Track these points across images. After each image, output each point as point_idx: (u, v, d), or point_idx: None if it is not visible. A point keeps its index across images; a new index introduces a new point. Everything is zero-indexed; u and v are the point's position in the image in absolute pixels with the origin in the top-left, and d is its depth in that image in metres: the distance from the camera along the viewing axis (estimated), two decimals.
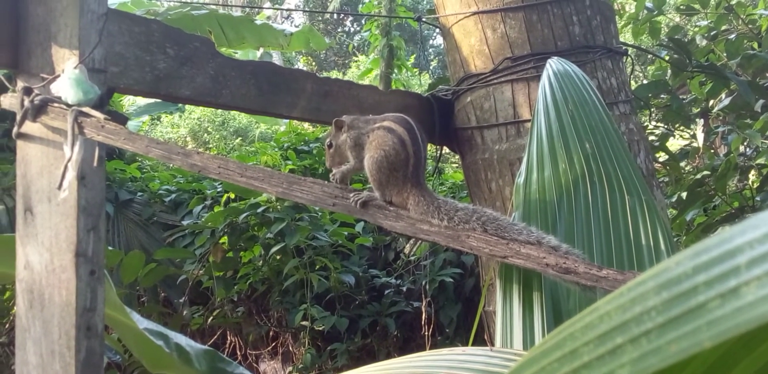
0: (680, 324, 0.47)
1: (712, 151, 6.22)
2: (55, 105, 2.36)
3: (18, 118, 2.42)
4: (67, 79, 2.32)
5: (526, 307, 1.81)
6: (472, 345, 1.81)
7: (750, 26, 5.86)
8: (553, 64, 2.29)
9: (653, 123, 6.01)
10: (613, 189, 1.96)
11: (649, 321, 0.50)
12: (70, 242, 2.37)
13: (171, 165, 8.35)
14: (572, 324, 0.59)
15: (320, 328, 6.19)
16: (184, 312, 6.17)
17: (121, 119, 2.35)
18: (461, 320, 6.37)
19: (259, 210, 5.80)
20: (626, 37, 8.32)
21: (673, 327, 0.47)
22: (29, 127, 2.46)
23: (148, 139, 2.21)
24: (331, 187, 1.98)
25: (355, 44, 24.43)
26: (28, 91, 2.39)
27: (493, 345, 1.87)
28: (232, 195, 6.31)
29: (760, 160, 5.37)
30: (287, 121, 9.71)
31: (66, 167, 2.30)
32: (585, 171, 2.00)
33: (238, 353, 6.60)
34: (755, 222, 0.48)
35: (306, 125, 10.04)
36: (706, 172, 5.25)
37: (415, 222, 1.87)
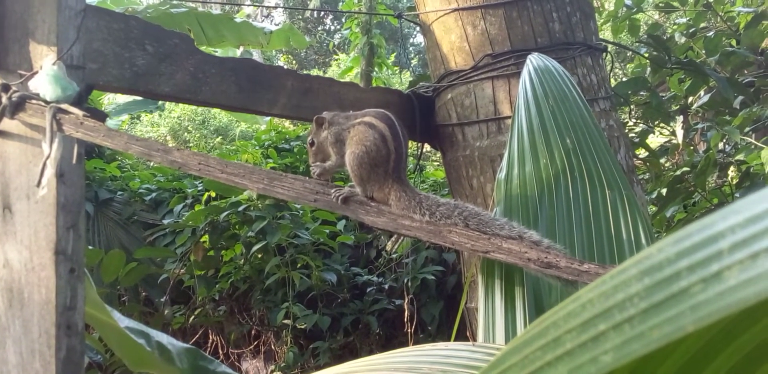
0: (663, 310, 0.47)
1: (692, 147, 6.25)
2: (33, 102, 2.34)
3: None
4: (46, 76, 2.30)
5: (508, 302, 1.81)
6: (455, 341, 1.81)
7: (728, 23, 5.90)
8: (534, 60, 2.29)
9: (633, 120, 6.04)
10: (594, 184, 1.97)
11: (632, 307, 0.50)
12: (50, 240, 2.35)
13: (151, 163, 8.32)
14: (555, 313, 0.59)
15: (302, 327, 6.19)
16: (166, 312, 6.15)
17: (100, 116, 2.33)
18: (443, 317, 6.38)
19: (240, 208, 5.78)
20: (606, 34, 8.35)
21: (655, 312, 0.47)
22: (7, 124, 2.43)
23: (127, 135, 2.19)
24: (313, 182, 1.98)
25: (336, 42, 24.42)
26: (5, 88, 2.37)
27: (475, 340, 1.88)
28: (213, 194, 6.29)
29: (739, 157, 5.40)
30: (268, 119, 9.69)
31: (45, 164, 2.28)
32: (566, 166, 2.00)
33: (220, 352, 6.59)
34: (737, 208, 0.48)
35: (287, 123, 10.04)
36: (685, 169, 5.28)
37: (397, 217, 1.87)
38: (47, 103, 2.30)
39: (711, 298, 0.44)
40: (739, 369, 0.78)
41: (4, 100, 2.35)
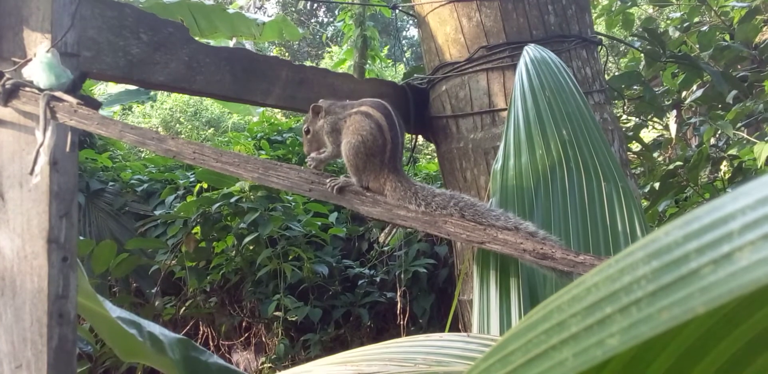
0: (672, 292, 0.46)
1: (685, 142, 6.26)
2: (27, 89, 2.32)
3: None
4: (39, 63, 2.29)
5: (503, 293, 1.81)
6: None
7: (722, 18, 5.91)
8: (530, 51, 2.29)
9: (626, 114, 6.05)
10: (589, 176, 1.97)
11: (639, 289, 0.49)
12: (42, 228, 2.34)
13: (143, 154, 8.30)
14: (558, 298, 0.58)
15: (293, 319, 6.19)
16: (156, 303, 6.14)
17: (94, 104, 2.32)
18: (434, 310, 6.39)
19: (232, 200, 5.77)
20: (600, 28, 8.35)
21: (664, 294, 0.47)
22: (0, 111, 2.42)
23: (121, 124, 2.18)
24: (308, 172, 1.97)
25: (329, 35, 24.38)
26: None
27: (469, 332, 1.88)
28: (205, 185, 6.28)
29: (732, 151, 5.42)
30: (260, 111, 9.67)
31: (38, 152, 2.27)
32: (562, 157, 2.00)
33: (211, 344, 6.59)
34: (746, 190, 0.47)
35: (279, 115, 10.01)
36: (678, 163, 5.29)
37: (393, 207, 1.87)
38: (41, 90, 2.29)
39: (722, 279, 0.44)
40: (739, 358, 0.78)
41: None
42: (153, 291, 6.11)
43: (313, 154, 2.09)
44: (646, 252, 0.51)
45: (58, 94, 2.26)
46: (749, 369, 0.79)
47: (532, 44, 2.35)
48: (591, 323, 0.52)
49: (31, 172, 2.29)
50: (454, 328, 4.05)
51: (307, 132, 2.10)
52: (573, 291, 0.57)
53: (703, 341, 0.76)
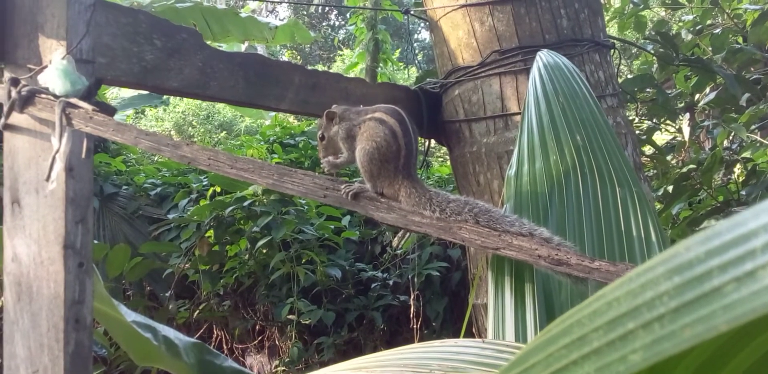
0: (695, 309, 0.47)
1: (698, 144, 6.25)
2: (43, 96, 2.34)
3: (5, 109, 2.40)
4: (55, 70, 2.30)
5: (517, 299, 1.81)
6: (462, 338, 1.81)
7: (735, 20, 5.89)
8: (543, 57, 2.29)
9: (639, 117, 6.03)
10: (603, 181, 1.97)
11: (662, 306, 0.49)
12: (58, 234, 2.36)
13: (156, 158, 8.33)
14: (578, 312, 0.58)
15: (307, 322, 6.19)
16: (170, 306, 6.15)
17: (109, 110, 2.33)
18: (447, 314, 6.38)
19: (246, 203, 5.78)
20: (612, 31, 8.34)
21: (687, 311, 0.47)
22: (16, 118, 2.44)
23: (137, 130, 2.19)
24: (322, 178, 1.98)
25: (341, 38, 24.40)
26: (15, 82, 2.37)
27: (482, 337, 1.88)
28: (218, 189, 6.29)
29: (746, 154, 5.40)
30: (273, 114, 9.69)
31: (54, 159, 2.28)
32: (576, 163, 2.00)
33: (225, 347, 6.60)
34: (767, 207, 0.47)
35: (292, 119, 10.03)
36: (691, 166, 5.27)
37: (407, 213, 1.87)
38: (56, 97, 2.30)
39: (745, 298, 0.44)
40: (756, 370, 0.78)
41: (14, 94, 2.35)
42: (167, 294, 6.13)
43: (329, 158, 2.10)
44: (668, 268, 0.51)
45: (74, 100, 2.27)
46: None
47: (545, 50, 2.35)
48: (613, 338, 0.52)
49: (47, 179, 2.30)
50: (468, 332, 4.05)
51: (322, 138, 2.10)
52: (594, 305, 0.57)
53: (721, 353, 0.76)
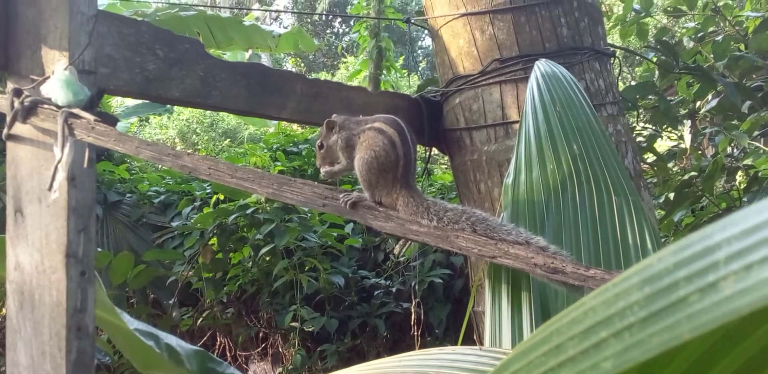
0: (661, 318, 0.48)
1: (700, 152, 6.25)
2: (45, 106, 2.36)
3: (8, 119, 2.42)
4: (57, 81, 2.33)
5: (514, 307, 1.83)
6: (462, 345, 1.82)
7: (737, 28, 5.90)
8: (541, 66, 2.31)
9: (641, 124, 6.04)
10: (600, 190, 1.98)
11: (632, 315, 0.51)
12: (61, 243, 2.37)
13: (160, 166, 8.35)
14: (559, 320, 0.60)
15: (310, 329, 6.20)
16: (174, 314, 6.16)
17: (111, 120, 2.35)
18: (450, 321, 6.39)
19: (249, 211, 5.80)
20: (614, 38, 8.36)
21: (654, 320, 0.49)
22: (19, 128, 2.46)
23: (138, 140, 2.22)
24: (321, 187, 1.99)
25: (344, 45, 24.44)
26: (18, 93, 2.40)
27: (482, 344, 1.89)
28: (222, 197, 6.32)
29: (747, 161, 5.41)
30: (276, 122, 9.71)
31: (56, 168, 2.31)
32: (572, 172, 2.02)
33: (228, 354, 6.60)
34: (734, 219, 0.49)
35: (295, 126, 10.04)
36: (693, 173, 5.27)
37: (405, 222, 1.89)
38: (59, 107, 2.32)
39: (707, 308, 0.46)
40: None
41: (17, 104, 2.37)
42: (170, 302, 6.14)
43: (327, 167, 2.12)
44: (641, 278, 0.53)
45: (76, 110, 2.29)
46: None
47: (543, 59, 2.37)
48: (587, 346, 0.54)
49: (50, 188, 2.32)
50: (469, 340, 4.05)
51: (321, 147, 2.12)
52: (572, 314, 0.59)
53: (705, 358, 0.77)
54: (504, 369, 0.64)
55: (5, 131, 2.47)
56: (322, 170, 2.12)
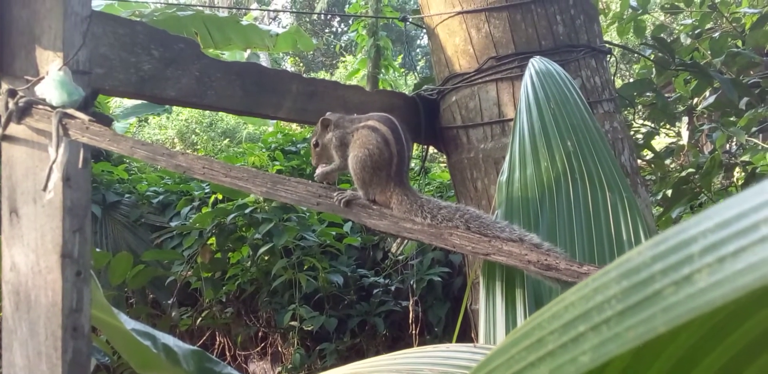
0: (637, 311, 0.48)
1: (697, 148, 6.25)
2: (40, 107, 2.36)
3: (2, 120, 2.42)
4: (52, 81, 2.33)
5: (508, 304, 1.83)
6: (459, 343, 1.82)
7: (734, 24, 5.91)
8: (536, 64, 2.31)
9: (639, 121, 6.04)
10: (594, 187, 1.98)
11: (610, 309, 0.51)
12: (56, 243, 2.37)
13: (159, 166, 8.35)
14: (541, 315, 0.60)
15: (309, 328, 6.21)
16: (173, 314, 6.18)
17: (105, 120, 2.35)
18: (450, 319, 6.39)
19: (247, 211, 5.81)
20: (612, 35, 8.36)
21: (630, 314, 0.49)
22: (14, 129, 2.46)
23: (132, 140, 2.22)
24: (316, 186, 1.99)
25: (343, 45, 24.45)
26: (12, 93, 2.40)
27: (477, 342, 1.89)
28: (220, 196, 6.32)
29: (745, 158, 5.41)
30: (275, 122, 9.71)
31: (51, 169, 2.30)
32: (567, 169, 2.02)
33: (227, 354, 6.61)
34: (709, 214, 0.49)
35: (293, 126, 10.05)
36: (691, 170, 5.28)
37: (399, 220, 1.89)
38: (53, 108, 2.32)
39: (681, 300, 0.46)
40: (729, 368, 0.79)
41: (11, 105, 2.37)
42: (169, 302, 6.15)
43: (320, 169, 2.12)
44: (619, 272, 0.53)
45: (71, 111, 2.29)
46: None
47: (538, 56, 2.37)
48: (566, 341, 0.54)
49: (45, 188, 2.32)
50: (467, 338, 4.05)
51: (316, 145, 2.12)
52: (553, 309, 0.59)
53: (694, 351, 0.78)
54: (486, 365, 0.64)
55: (0, 132, 2.47)
56: (317, 172, 2.12)
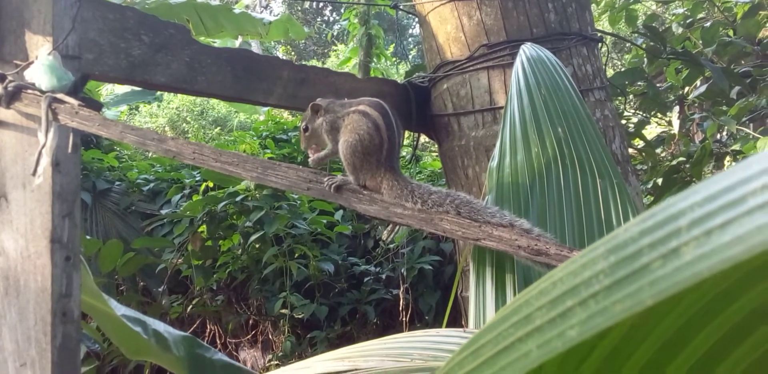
0: (625, 285, 0.49)
1: (688, 137, 6.27)
2: (29, 91, 2.35)
3: None
4: (41, 66, 2.32)
5: (498, 289, 1.83)
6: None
7: (725, 14, 5.91)
8: (527, 50, 2.30)
9: (631, 111, 6.05)
10: (585, 173, 1.98)
11: (597, 283, 0.51)
12: (45, 228, 2.37)
13: (149, 154, 8.34)
14: (528, 292, 0.60)
15: (300, 316, 6.21)
16: (163, 301, 6.18)
17: (95, 105, 2.34)
18: (440, 307, 6.40)
19: (238, 198, 5.80)
20: (604, 25, 8.35)
21: (618, 288, 0.49)
22: (3, 113, 2.45)
23: (122, 124, 2.21)
24: (306, 171, 1.99)
25: (335, 33, 24.37)
26: (1, 78, 2.39)
27: (467, 328, 1.90)
28: (211, 184, 6.31)
29: (735, 147, 5.42)
30: (266, 110, 9.69)
31: (40, 153, 2.30)
32: (557, 155, 2.02)
33: (218, 341, 6.61)
34: (697, 189, 0.49)
35: (285, 114, 10.03)
36: (681, 159, 5.30)
37: (389, 205, 1.89)
38: (43, 92, 2.32)
39: (669, 273, 0.46)
40: (716, 351, 0.80)
41: (0, 89, 2.36)
42: (160, 289, 6.15)
43: (314, 154, 2.12)
44: (607, 248, 0.53)
45: (60, 95, 2.28)
46: (728, 359, 0.81)
47: (529, 43, 2.37)
48: (554, 316, 0.54)
49: (34, 173, 2.31)
50: (457, 324, 4.06)
51: (306, 129, 2.12)
52: (541, 286, 0.59)
53: (682, 332, 0.78)
54: (474, 343, 0.64)
55: None
56: (310, 158, 2.12)
